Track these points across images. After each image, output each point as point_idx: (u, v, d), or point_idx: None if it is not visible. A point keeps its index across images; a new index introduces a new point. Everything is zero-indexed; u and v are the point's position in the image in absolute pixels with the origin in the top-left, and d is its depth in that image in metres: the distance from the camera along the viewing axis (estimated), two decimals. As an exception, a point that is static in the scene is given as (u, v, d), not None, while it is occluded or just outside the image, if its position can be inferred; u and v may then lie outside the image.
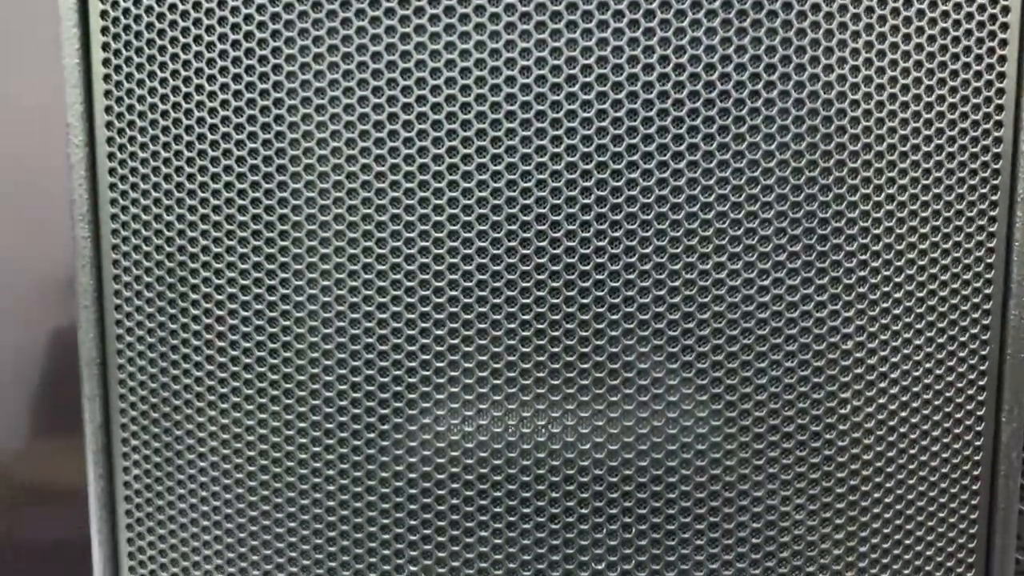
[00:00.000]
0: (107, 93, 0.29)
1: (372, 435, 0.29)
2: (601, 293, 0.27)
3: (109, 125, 0.29)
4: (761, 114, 0.27)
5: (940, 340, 0.29)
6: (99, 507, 0.31)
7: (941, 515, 0.30)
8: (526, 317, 0.27)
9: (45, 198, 0.54)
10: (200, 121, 0.28)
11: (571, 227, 0.27)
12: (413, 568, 0.29)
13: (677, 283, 0.27)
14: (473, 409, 0.28)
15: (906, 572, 0.30)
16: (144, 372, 0.30)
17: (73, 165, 0.30)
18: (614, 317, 0.27)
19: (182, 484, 0.30)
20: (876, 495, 0.29)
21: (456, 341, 0.28)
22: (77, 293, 0.30)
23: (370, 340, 0.28)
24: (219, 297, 0.29)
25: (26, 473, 0.60)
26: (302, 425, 0.29)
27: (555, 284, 0.27)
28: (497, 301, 0.27)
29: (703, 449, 0.28)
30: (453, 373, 0.28)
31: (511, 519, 0.28)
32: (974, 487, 0.30)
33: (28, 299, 0.58)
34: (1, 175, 0.54)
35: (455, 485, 0.29)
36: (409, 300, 0.28)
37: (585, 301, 0.27)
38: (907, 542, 0.30)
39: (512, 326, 0.27)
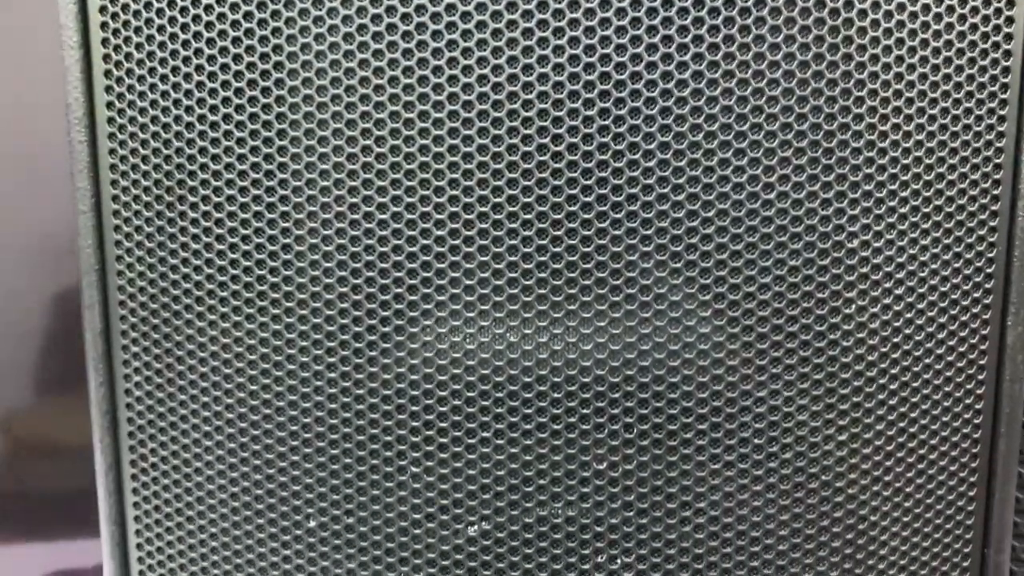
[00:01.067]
0: (101, -9, 0.29)
1: (374, 337, 0.28)
2: (604, 199, 0.27)
3: (104, 26, 0.29)
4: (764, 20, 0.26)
5: (946, 241, 0.29)
6: (100, 415, 0.31)
7: (945, 419, 0.30)
8: (529, 224, 0.27)
9: (44, 137, 0.54)
10: (196, 19, 0.28)
11: (576, 131, 0.26)
12: (415, 469, 0.29)
13: (681, 180, 0.27)
14: (475, 311, 0.28)
15: (909, 475, 0.30)
16: (143, 278, 0.30)
17: (68, 67, 0.29)
18: (617, 216, 0.27)
19: (183, 390, 0.30)
20: (881, 397, 0.29)
21: (458, 243, 0.27)
22: (76, 199, 0.30)
23: (371, 243, 0.28)
24: (217, 199, 0.28)
25: (33, 430, 0.60)
26: (303, 328, 0.29)
27: (559, 193, 0.27)
28: (499, 203, 0.27)
29: (706, 353, 0.28)
30: (455, 275, 0.28)
31: (513, 429, 0.28)
32: (978, 391, 0.30)
33: (31, 258, 0.58)
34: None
35: (458, 392, 0.28)
36: (410, 202, 0.27)
37: (587, 214, 0.27)
38: (910, 445, 0.29)
39: (515, 233, 0.27)
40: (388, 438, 0.29)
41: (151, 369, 0.30)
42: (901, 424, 0.29)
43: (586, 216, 0.27)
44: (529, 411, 0.28)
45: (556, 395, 0.28)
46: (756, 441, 0.28)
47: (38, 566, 0.66)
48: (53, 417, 0.61)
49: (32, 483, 0.62)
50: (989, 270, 0.29)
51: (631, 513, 0.29)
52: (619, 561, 0.29)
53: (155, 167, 0.29)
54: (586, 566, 0.30)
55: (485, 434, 0.29)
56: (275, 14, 0.27)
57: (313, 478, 0.29)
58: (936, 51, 0.27)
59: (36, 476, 0.62)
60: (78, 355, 0.32)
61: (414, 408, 0.29)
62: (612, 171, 0.27)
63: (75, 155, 0.30)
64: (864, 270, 0.28)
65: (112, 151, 0.30)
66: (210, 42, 0.28)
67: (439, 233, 0.27)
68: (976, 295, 0.29)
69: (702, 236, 0.27)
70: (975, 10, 0.28)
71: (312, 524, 0.30)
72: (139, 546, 0.32)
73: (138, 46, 0.29)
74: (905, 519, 0.30)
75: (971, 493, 0.30)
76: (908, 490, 0.30)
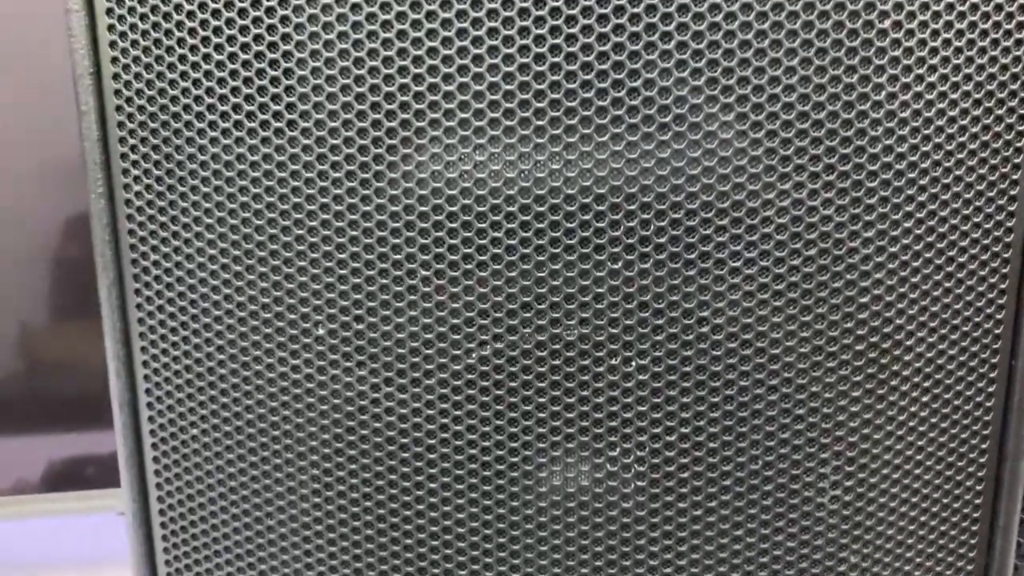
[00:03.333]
0: None
1: (380, 150, 0.27)
2: (621, 10, 0.25)
3: None
4: None
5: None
6: (101, 228, 0.30)
7: (976, 220, 0.29)
8: (542, 39, 0.26)
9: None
10: None
11: None
12: (425, 289, 0.28)
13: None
14: (484, 133, 0.27)
15: (937, 278, 0.29)
16: (140, 79, 0.29)
17: None
18: (635, 30, 0.26)
19: (186, 212, 0.29)
20: (909, 192, 0.28)
21: (466, 61, 0.26)
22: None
23: (375, 63, 0.26)
24: (229, 15, 0.27)
25: (46, 347, 0.61)
26: (306, 142, 0.28)
27: (573, 4, 0.25)
28: (510, 17, 0.26)
29: (727, 161, 0.27)
30: (463, 98, 0.26)
31: (528, 248, 0.27)
32: (1012, 192, 0.29)
33: (46, 181, 0.57)
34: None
35: (468, 209, 0.27)
36: (415, 18, 0.26)
37: (603, 26, 0.25)
38: (939, 246, 0.28)
39: (527, 50, 0.26)
40: (397, 256, 0.28)
41: (151, 177, 0.29)
42: (930, 223, 0.28)
43: (601, 30, 0.26)
44: (544, 226, 0.27)
45: (571, 211, 0.27)
46: (778, 253, 0.27)
47: (53, 452, 0.66)
48: (67, 331, 0.61)
49: (48, 389, 0.63)
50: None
51: (646, 329, 0.28)
52: (633, 379, 0.29)
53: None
54: (600, 384, 0.29)
55: (498, 258, 0.28)
56: None
57: (321, 284, 0.29)
58: None
59: (52, 383, 0.63)
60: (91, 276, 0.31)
61: (423, 225, 0.28)
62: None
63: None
64: (895, 54, 0.26)
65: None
66: None
67: (447, 52, 0.26)
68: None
69: (725, 32, 0.26)
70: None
71: (321, 332, 0.29)
72: (150, 419, 0.32)
73: None
74: (932, 324, 0.29)
75: (1002, 285, 0.29)
76: (936, 294, 0.29)
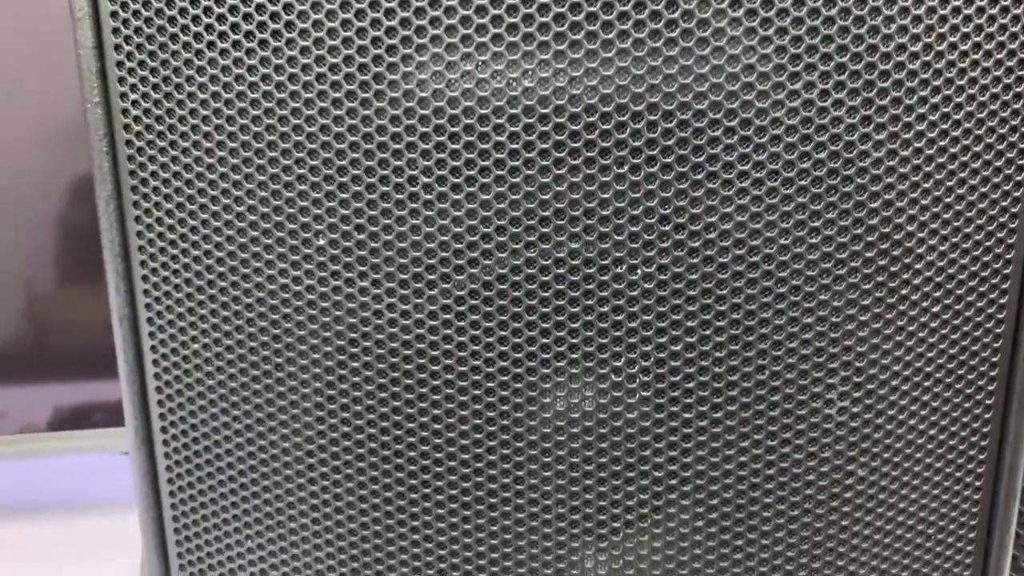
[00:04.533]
0: None
1: (380, 51, 0.27)
2: None
3: None
4: None
5: None
6: (98, 139, 0.30)
7: (991, 124, 0.28)
8: None
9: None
10: None
11: None
12: (428, 213, 0.27)
13: None
14: (488, 54, 0.26)
15: (949, 183, 0.28)
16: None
17: None
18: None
19: (183, 122, 0.29)
20: (923, 94, 0.27)
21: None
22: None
23: None
24: None
25: (53, 309, 0.61)
26: (305, 61, 0.27)
27: None
28: None
29: (736, 77, 0.26)
30: (465, 12, 0.26)
31: (532, 158, 0.27)
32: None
33: (52, 144, 0.57)
34: None
35: (472, 123, 0.27)
36: None
37: None
38: (952, 150, 0.28)
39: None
40: (397, 162, 0.27)
41: (148, 86, 0.29)
42: (943, 126, 0.27)
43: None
44: (549, 136, 0.27)
45: (577, 122, 0.26)
46: (787, 156, 0.27)
47: (59, 400, 0.66)
48: (74, 288, 0.61)
49: (57, 345, 0.63)
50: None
51: (653, 240, 0.28)
52: (638, 287, 0.28)
53: None
54: (606, 296, 0.28)
55: (499, 155, 0.27)
56: None
57: (321, 193, 0.28)
58: None
59: (58, 335, 0.63)
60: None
61: (425, 129, 0.27)
62: None
63: None
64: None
65: None
66: None
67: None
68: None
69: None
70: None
71: (321, 242, 0.29)
72: (151, 335, 0.31)
73: None
74: (944, 232, 0.28)
75: (1016, 193, 0.29)
76: (948, 200, 0.28)
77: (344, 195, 0.28)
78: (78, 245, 0.61)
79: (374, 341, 0.29)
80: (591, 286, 0.28)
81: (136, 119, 0.29)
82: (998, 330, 0.30)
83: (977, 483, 0.31)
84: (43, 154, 0.58)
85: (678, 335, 0.28)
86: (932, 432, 0.30)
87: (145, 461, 0.33)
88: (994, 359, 0.30)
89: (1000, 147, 0.28)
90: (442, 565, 0.32)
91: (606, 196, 0.27)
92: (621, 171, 0.27)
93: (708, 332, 0.28)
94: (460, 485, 0.30)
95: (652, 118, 0.27)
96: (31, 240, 0.60)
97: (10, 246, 0.59)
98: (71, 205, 0.60)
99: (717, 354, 0.28)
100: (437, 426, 0.30)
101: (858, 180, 0.27)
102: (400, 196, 0.28)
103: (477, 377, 0.29)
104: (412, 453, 0.30)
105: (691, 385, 0.29)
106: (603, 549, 0.31)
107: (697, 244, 0.28)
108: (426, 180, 0.27)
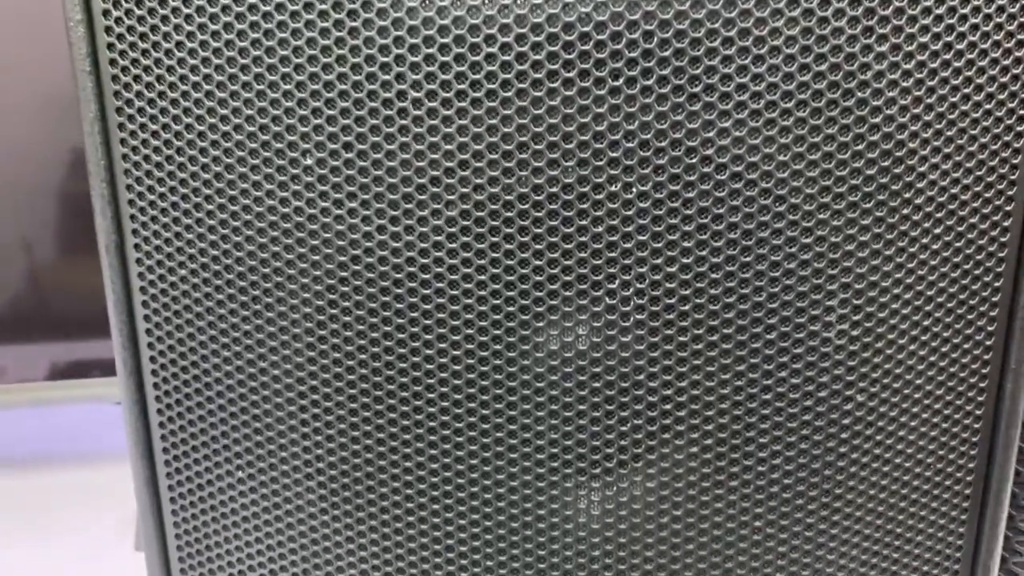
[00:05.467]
0: None
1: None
2: None
3: None
4: None
5: None
6: (81, 57, 0.29)
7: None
8: None
9: None
10: None
11: None
12: (417, 130, 0.27)
13: None
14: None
15: (953, 99, 0.27)
16: None
17: None
18: None
19: (168, 38, 0.28)
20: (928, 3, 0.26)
21: None
22: None
23: None
24: None
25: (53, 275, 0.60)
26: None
27: None
28: None
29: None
30: None
31: (524, 83, 0.26)
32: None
33: (50, 114, 0.57)
34: None
35: (463, 46, 0.26)
36: None
37: None
38: (957, 64, 0.27)
39: None
40: (386, 76, 0.27)
41: (131, 2, 0.28)
42: (948, 38, 0.27)
43: None
44: (540, 59, 0.26)
45: (569, 42, 0.26)
46: (787, 68, 0.26)
47: (56, 357, 0.66)
48: (74, 256, 0.61)
49: (55, 308, 0.63)
50: None
51: (647, 167, 0.27)
52: (633, 208, 0.28)
53: None
54: (600, 224, 0.28)
55: (491, 85, 0.26)
56: None
57: (308, 110, 0.27)
58: None
59: (57, 295, 0.63)
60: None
61: (414, 41, 0.26)
62: None
63: None
64: None
65: None
66: None
67: None
68: None
69: None
70: None
71: (309, 161, 0.28)
72: (138, 261, 0.31)
73: None
74: (947, 150, 0.28)
75: (1022, 111, 0.28)
76: (952, 116, 0.27)
77: (331, 112, 0.27)
78: (76, 213, 0.61)
79: (364, 265, 0.29)
80: (585, 205, 0.27)
81: (120, 37, 0.28)
82: (1001, 254, 0.29)
83: (978, 412, 0.31)
84: (42, 124, 0.57)
85: (674, 256, 0.28)
86: (933, 358, 0.30)
87: (135, 390, 0.33)
88: (996, 284, 0.29)
89: (1006, 62, 0.27)
90: (435, 493, 0.31)
91: (600, 111, 0.26)
92: (616, 84, 0.26)
93: (704, 252, 0.28)
94: (452, 412, 0.30)
95: (648, 27, 0.26)
96: (31, 208, 0.60)
97: (11, 213, 0.59)
98: (71, 175, 0.60)
99: (713, 275, 0.28)
100: (429, 351, 0.29)
101: (859, 94, 0.26)
102: (389, 112, 0.27)
103: (469, 300, 0.29)
104: (404, 379, 0.30)
105: (687, 308, 0.28)
106: (597, 488, 0.31)
107: (694, 160, 0.27)
108: (415, 95, 0.27)
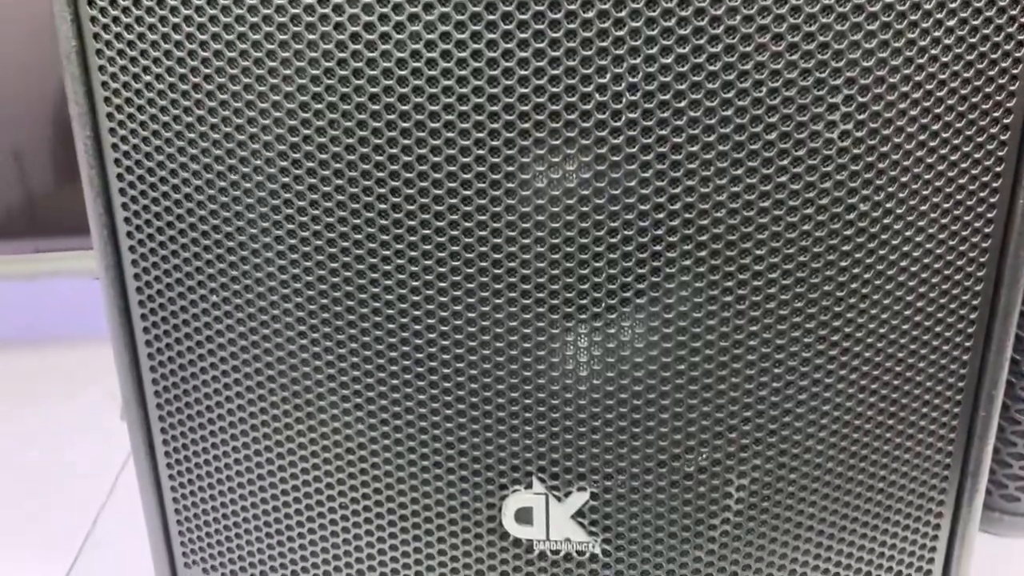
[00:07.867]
0: None
1: None
2: None
3: None
4: None
5: None
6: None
7: None
8: None
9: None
10: None
11: None
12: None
13: None
14: None
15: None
16: None
17: None
18: None
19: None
20: None
21: None
22: None
23: None
24: None
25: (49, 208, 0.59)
26: None
27: None
28: None
29: None
30: None
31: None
32: None
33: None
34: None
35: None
36: None
37: None
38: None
39: None
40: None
41: None
42: None
43: None
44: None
45: None
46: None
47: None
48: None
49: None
50: None
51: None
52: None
53: None
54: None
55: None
56: None
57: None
58: None
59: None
60: None
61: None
62: None
63: None
64: None
65: None
66: None
67: None
68: None
69: None
70: None
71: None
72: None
73: None
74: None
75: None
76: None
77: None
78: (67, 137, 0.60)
79: (339, 95, 0.27)
80: (574, 25, 0.26)
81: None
82: (1018, 53, 0.27)
83: (987, 229, 0.29)
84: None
85: (669, 45, 0.26)
86: (941, 167, 0.28)
87: (103, 214, 0.31)
88: (1012, 87, 0.28)
89: None
90: (417, 326, 0.30)
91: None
92: None
93: (702, 41, 0.26)
94: (435, 241, 0.28)
95: None
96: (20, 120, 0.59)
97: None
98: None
99: (710, 67, 0.26)
100: (409, 191, 0.28)
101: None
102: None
103: (451, 134, 0.27)
104: (383, 206, 0.28)
105: (682, 104, 0.26)
106: (588, 333, 0.30)
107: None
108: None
